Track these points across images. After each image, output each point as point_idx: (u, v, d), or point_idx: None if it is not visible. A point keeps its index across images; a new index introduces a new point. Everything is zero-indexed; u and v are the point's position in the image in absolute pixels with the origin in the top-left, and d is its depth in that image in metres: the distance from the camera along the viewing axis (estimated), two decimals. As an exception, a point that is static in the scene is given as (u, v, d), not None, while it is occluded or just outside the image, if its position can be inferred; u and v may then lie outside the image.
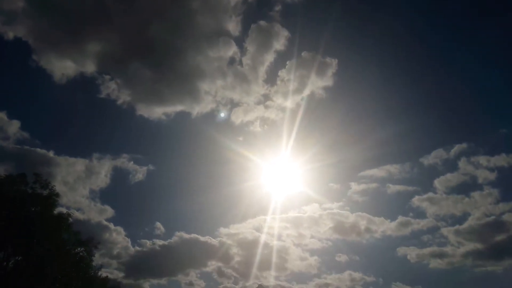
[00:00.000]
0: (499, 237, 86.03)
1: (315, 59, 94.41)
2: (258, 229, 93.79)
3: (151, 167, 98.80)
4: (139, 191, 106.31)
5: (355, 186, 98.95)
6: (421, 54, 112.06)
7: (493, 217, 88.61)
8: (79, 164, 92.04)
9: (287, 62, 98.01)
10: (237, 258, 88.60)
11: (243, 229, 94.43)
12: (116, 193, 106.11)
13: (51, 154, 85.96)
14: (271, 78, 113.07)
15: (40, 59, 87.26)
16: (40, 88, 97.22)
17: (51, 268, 37.76)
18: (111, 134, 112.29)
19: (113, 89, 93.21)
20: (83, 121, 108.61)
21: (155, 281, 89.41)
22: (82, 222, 67.73)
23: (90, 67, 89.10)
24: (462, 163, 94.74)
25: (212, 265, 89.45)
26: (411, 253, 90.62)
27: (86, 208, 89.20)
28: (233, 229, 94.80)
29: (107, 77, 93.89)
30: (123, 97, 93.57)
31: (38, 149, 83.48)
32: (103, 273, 48.28)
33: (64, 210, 41.02)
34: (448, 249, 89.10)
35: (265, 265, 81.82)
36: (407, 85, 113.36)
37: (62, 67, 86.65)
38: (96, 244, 43.41)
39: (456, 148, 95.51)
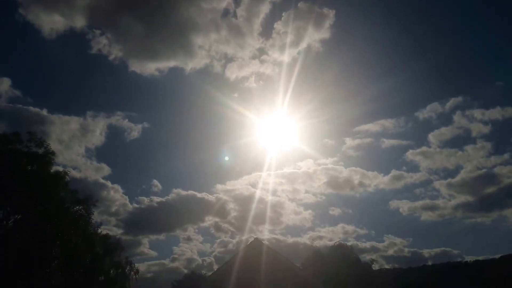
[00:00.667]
0: (490, 190, 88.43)
1: (312, 10, 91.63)
2: (254, 185, 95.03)
3: (146, 124, 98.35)
4: (135, 149, 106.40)
5: (349, 141, 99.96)
6: (418, 6, 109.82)
7: (484, 170, 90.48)
8: (74, 122, 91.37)
9: (283, 14, 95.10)
10: (233, 213, 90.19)
11: (239, 185, 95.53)
12: (112, 151, 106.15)
13: (44, 112, 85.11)
14: (267, 31, 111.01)
15: (27, 13, 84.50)
16: (29, 44, 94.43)
17: (50, 227, 37.69)
18: (104, 91, 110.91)
19: (104, 44, 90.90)
20: (75, 78, 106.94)
21: (153, 237, 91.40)
22: (79, 180, 67.62)
23: (79, 22, 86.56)
24: (457, 117, 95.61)
25: (209, 220, 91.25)
26: (403, 206, 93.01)
27: (82, 166, 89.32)
28: (229, 185, 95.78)
29: (98, 31, 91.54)
30: (115, 52, 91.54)
31: (31, 108, 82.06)
32: (102, 230, 48.57)
33: (60, 169, 40.69)
34: (439, 201, 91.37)
35: (260, 220, 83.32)
36: (403, 39, 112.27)
37: (51, 21, 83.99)
38: (94, 202, 43.26)
39: (452, 102, 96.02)
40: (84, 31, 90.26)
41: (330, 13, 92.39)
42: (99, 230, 47.22)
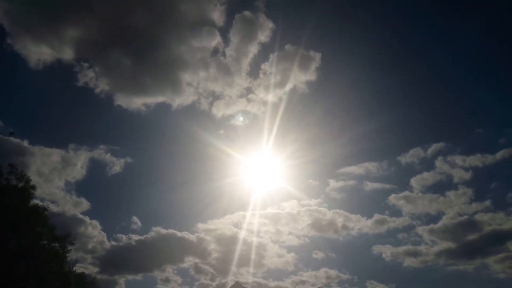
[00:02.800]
0: (471, 237, 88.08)
1: (298, 52, 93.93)
2: (237, 225, 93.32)
3: (128, 159, 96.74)
4: (116, 184, 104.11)
5: (333, 183, 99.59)
6: (403, 53, 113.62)
7: (466, 216, 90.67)
8: (55, 155, 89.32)
9: (270, 55, 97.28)
10: (214, 254, 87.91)
11: (221, 224, 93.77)
12: (93, 185, 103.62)
13: (25, 143, 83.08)
14: (254, 71, 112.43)
15: (15, 43, 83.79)
16: (15, 74, 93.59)
17: (25, 264, 36.28)
18: (88, 124, 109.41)
19: (91, 77, 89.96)
20: (59, 110, 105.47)
21: (130, 277, 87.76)
22: (57, 214, 65.57)
23: (67, 54, 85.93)
24: (438, 162, 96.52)
25: (189, 261, 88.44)
26: (386, 251, 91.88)
27: (61, 200, 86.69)
28: (212, 224, 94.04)
29: (85, 64, 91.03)
30: (102, 85, 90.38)
31: (12, 138, 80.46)
32: (78, 268, 46.87)
33: (38, 202, 39.56)
34: (422, 247, 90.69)
35: (242, 262, 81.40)
36: (388, 84, 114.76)
37: (38, 52, 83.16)
38: (71, 239, 42.00)
39: (434, 147, 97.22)
40: (71, 63, 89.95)
41: (316, 56, 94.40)
42: (75, 268, 45.57)
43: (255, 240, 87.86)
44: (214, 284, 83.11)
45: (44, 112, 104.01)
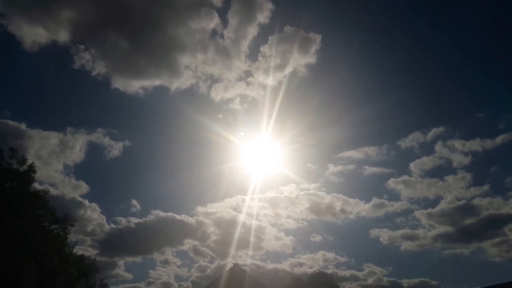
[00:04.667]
0: (468, 221, 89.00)
1: (298, 34, 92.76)
2: (236, 209, 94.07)
3: (127, 143, 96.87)
4: (115, 167, 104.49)
5: (332, 167, 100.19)
6: (404, 37, 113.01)
7: (464, 201, 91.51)
8: (53, 138, 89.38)
9: (270, 37, 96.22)
10: (213, 237, 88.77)
11: (220, 208, 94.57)
12: (91, 168, 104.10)
13: (23, 126, 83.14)
14: (254, 54, 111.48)
15: (9, 24, 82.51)
16: (9, 56, 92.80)
17: (26, 246, 36.85)
18: (86, 107, 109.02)
19: (87, 59, 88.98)
20: (56, 93, 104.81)
21: (130, 259, 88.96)
22: (56, 197, 65.69)
23: (63, 36, 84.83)
24: (438, 147, 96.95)
25: (188, 244, 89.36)
26: (384, 235, 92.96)
27: (60, 183, 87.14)
28: (211, 208, 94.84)
29: (82, 47, 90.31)
30: (98, 68, 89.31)
31: (9, 121, 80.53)
32: (77, 250, 47.56)
33: (38, 186, 40.04)
34: (419, 231, 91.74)
35: (241, 244, 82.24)
36: (388, 68, 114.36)
37: (33, 34, 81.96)
38: (72, 221, 42.50)
39: (433, 132, 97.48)
40: (67, 45, 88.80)
41: (317, 38, 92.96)
42: (75, 251, 46.29)
43: (253, 223, 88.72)
44: (212, 266, 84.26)
45: (41, 95, 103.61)
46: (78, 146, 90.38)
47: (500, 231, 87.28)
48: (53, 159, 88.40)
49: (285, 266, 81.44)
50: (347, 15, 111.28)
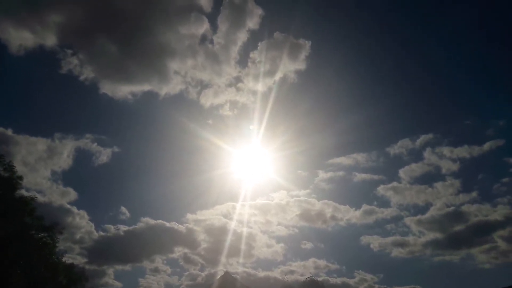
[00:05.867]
0: (458, 228, 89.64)
1: (287, 40, 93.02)
2: (226, 216, 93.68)
3: (116, 149, 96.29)
4: (103, 173, 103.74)
5: (322, 174, 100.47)
6: (393, 44, 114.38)
7: (453, 207, 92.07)
8: (40, 144, 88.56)
9: (259, 43, 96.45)
10: (204, 245, 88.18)
11: (210, 215, 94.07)
12: (80, 175, 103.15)
13: (9, 132, 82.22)
14: (243, 59, 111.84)
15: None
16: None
17: (12, 253, 36.15)
18: (74, 112, 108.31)
19: (75, 64, 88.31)
20: (43, 98, 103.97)
21: (119, 267, 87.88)
22: (43, 204, 64.94)
23: (50, 40, 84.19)
24: (427, 153, 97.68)
25: (178, 251, 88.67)
26: (374, 242, 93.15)
27: (47, 190, 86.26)
28: (201, 215, 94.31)
29: (69, 51, 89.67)
30: (86, 73, 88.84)
31: (-5, 127, 79.58)
32: (67, 259, 46.74)
33: (24, 192, 39.40)
34: (409, 238, 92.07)
35: (232, 252, 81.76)
36: (377, 74, 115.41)
37: (20, 37, 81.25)
38: (60, 229, 41.85)
39: (422, 138, 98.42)
40: (54, 49, 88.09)
41: (306, 44, 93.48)
42: (64, 259, 45.46)
43: (244, 230, 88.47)
44: (203, 274, 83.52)
45: (27, 100, 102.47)
46: (66, 152, 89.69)
47: (489, 237, 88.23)
48: (41, 165, 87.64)
49: (276, 273, 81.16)
50: (337, 22, 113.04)
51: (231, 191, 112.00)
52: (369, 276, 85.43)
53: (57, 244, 41.52)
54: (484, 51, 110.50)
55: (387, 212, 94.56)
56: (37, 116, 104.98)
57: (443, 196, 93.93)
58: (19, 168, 39.95)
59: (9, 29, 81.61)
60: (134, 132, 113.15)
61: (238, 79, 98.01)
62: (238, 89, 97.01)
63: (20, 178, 37.58)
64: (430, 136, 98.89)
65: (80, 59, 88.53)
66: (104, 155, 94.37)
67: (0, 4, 79.74)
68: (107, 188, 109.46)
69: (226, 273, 61.15)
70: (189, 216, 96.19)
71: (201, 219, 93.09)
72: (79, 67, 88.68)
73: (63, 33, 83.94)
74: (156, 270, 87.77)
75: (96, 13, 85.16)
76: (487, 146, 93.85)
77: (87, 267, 62.26)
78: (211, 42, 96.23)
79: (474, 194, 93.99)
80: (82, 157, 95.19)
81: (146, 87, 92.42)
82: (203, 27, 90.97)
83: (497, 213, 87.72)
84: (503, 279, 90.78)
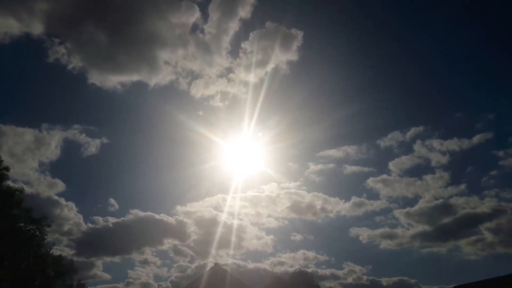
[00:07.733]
0: (446, 220, 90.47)
1: (279, 30, 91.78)
2: (216, 208, 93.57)
3: (104, 140, 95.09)
4: (92, 165, 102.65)
5: (312, 166, 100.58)
6: (384, 37, 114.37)
7: (441, 200, 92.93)
8: (28, 135, 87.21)
9: (251, 33, 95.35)
10: (194, 237, 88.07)
11: (201, 207, 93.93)
12: (68, 166, 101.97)
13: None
14: (235, 50, 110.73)
15: (-24, 13, 79.66)
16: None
17: (1, 246, 35.82)
18: (61, 103, 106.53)
19: (62, 53, 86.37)
20: (30, 88, 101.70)
21: (108, 259, 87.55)
22: (31, 196, 64.29)
23: (37, 28, 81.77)
24: (417, 146, 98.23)
25: (168, 243, 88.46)
26: (363, 233, 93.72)
27: (35, 181, 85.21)
28: (191, 207, 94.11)
29: (57, 40, 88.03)
30: (74, 62, 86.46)
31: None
32: (55, 251, 46.45)
33: (11, 184, 38.92)
34: (398, 230, 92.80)
35: (222, 244, 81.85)
36: (369, 66, 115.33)
37: (5, 25, 78.90)
38: (49, 222, 41.51)
39: (413, 131, 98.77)
40: (41, 38, 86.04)
41: (299, 35, 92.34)
42: (52, 251, 45.17)
43: (234, 222, 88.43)
44: (193, 266, 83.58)
45: (14, 90, 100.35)
46: (53, 143, 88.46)
47: (476, 229, 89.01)
48: (28, 156, 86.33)
49: (266, 265, 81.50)
50: (329, 12, 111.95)
51: (221, 183, 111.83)
52: (357, 268, 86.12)
53: (46, 236, 41.31)
54: (474, 46, 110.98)
55: (376, 204, 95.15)
56: (24, 106, 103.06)
57: (432, 189, 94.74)
58: (6, 159, 39.38)
59: (-8, 16, 79.46)
60: (123, 123, 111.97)
61: (229, 70, 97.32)
62: (229, 80, 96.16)
63: (7, 169, 37.13)
64: (420, 128, 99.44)
65: (68, 48, 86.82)
66: (92, 146, 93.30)
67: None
68: (95, 179, 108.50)
69: (216, 265, 61.29)
70: (179, 208, 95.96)
71: (191, 211, 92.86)
72: (67, 56, 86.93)
73: (50, 21, 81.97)
74: (145, 262, 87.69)
75: (84, 0, 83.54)
76: (476, 139, 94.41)
77: (75, 259, 61.69)
78: (202, 31, 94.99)
79: (462, 186, 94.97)
80: (70, 148, 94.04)
81: (135, 77, 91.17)
82: (194, 16, 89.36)
83: (484, 206, 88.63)
84: (489, 270, 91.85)
